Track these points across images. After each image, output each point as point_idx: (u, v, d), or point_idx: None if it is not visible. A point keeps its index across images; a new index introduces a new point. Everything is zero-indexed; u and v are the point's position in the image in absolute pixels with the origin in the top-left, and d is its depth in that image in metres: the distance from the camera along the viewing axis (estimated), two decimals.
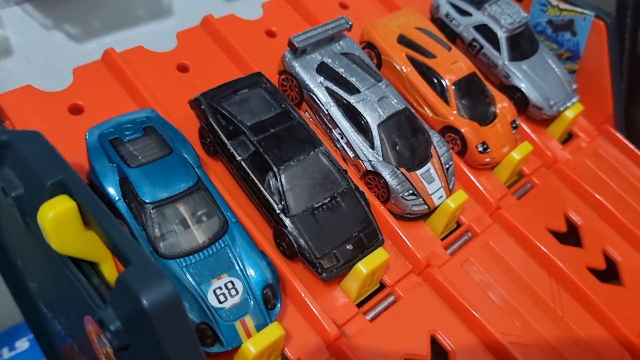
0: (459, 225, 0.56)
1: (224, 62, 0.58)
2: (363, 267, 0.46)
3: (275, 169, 0.46)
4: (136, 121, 0.46)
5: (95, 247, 0.39)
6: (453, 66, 0.59)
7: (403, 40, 0.60)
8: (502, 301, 0.52)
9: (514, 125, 0.60)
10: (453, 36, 0.66)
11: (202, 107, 0.49)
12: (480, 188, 0.57)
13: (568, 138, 0.69)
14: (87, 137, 0.45)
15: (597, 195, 0.61)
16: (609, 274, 0.58)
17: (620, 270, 0.59)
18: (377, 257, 0.47)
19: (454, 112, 0.58)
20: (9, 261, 0.66)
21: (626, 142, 0.67)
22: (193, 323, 0.40)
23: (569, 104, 0.64)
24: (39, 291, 0.62)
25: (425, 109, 0.59)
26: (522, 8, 0.68)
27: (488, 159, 0.58)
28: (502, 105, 0.60)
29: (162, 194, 0.42)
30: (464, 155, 0.58)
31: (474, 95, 0.59)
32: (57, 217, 0.36)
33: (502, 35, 0.63)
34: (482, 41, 0.64)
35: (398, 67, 0.59)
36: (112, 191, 0.43)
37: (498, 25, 0.63)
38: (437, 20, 0.67)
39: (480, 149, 0.57)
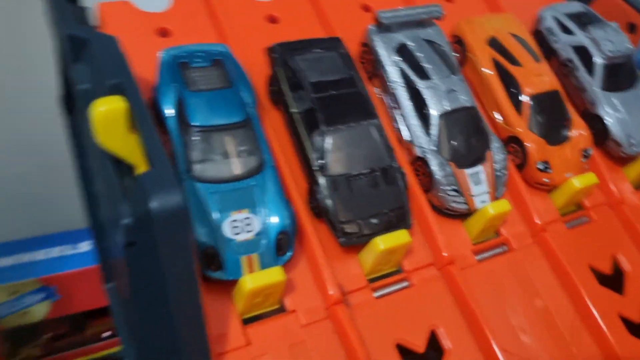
0: (497, 235, 0.55)
1: (313, 22, 0.60)
2: (381, 242, 0.46)
3: (323, 128, 0.48)
4: (208, 52, 0.49)
5: (134, 150, 0.42)
6: (536, 79, 0.57)
7: (493, 43, 0.59)
8: (515, 321, 0.50)
9: (585, 154, 0.58)
10: (549, 51, 0.64)
11: (275, 55, 0.52)
12: (530, 205, 0.55)
13: None
14: (161, 55, 0.48)
15: None
16: None
17: None
18: (397, 237, 0.47)
19: (524, 124, 0.56)
20: (85, 164, 0.72)
21: None
22: (202, 244, 0.42)
23: None
24: (100, 196, 0.67)
25: (496, 114, 0.58)
26: (632, 40, 0.65)
27: (546, 179, 0.56)
28: (579, 131, 0.58)
29: (209, 121, 0.45)
30: (522, 169, 0.57)
31: (550, 112, 0.57)
32: (107, 112, 0.40)
33: (598, 61, 0.61)
34: (577, 63, 0.62)
35: (481, 68, 0.58)
36: (167, 108, 0.46)
37: (597, 50, 0.61)
38: (537, 33, 0.65)
39: (541, 167, 0.56)
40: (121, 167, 0.43)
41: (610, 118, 0.60)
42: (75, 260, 0.92)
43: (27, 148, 1.04)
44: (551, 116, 0.57)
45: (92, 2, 0.56)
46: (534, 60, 0.59)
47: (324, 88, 0.49)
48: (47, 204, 1.08)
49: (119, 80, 0.41)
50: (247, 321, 0.44)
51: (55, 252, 0.93)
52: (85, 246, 0.95)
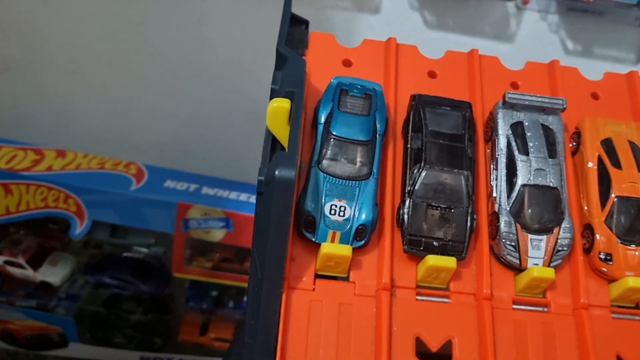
0: (543, 296, 0.66)
1: (462, 85, 0.75)
2: (431, 259, 0.61)
3: (422, 164, 0.64)
4: (365, 87, 0.68)
5: (286, 137, 0.62)
6: (629, 184, 0.66)
7: (606, 143, 0.68)
8: None
9: None
10: None
11: (413, 102, 0.68)
12: (582, 284, 0.65)
13: None
14: (331, 80, 0.68)
15: None
16: None
17: None
18: (445, 261, 0.61)
19: (603, 218, 0.65)
20: None
21: None
22: (307, 212, 0.62)
23: None
24: None
25: (585, 203, 0.68)
26: None
27: (604, 269, 0.65)
28: None
29: (343, 134, 0.64)
30: (588, 253, 0.66)
31: (632, 217, 0.65)
32: (276, 107, 0.60)
33: None
34: None
35: (585, 161, 0.68)
36: (322, 117, 0.65)
37: None
38: None
39: (602, 257, 0.65)
40: (276, 145, 0.64)
41: None
42: (253, 207, 1.18)
43: (247, 116, 1.32)
44: (633, 220, 0.65)
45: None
46: (637, 168, 0.67)
47: (436, 136, 0.65)
48: (249, 159, 1.37)
49: (292, 90, 0.62)
50: (319, 276, 0.63)
51: (243, 197, 1.20)
52: None
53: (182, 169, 1.24)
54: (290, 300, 0.60)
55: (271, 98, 0.65)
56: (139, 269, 1.28)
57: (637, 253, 0.65)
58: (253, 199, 1.19)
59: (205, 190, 1.19)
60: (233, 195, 1.19)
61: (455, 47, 0.79)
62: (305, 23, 0.80)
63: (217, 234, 1.17)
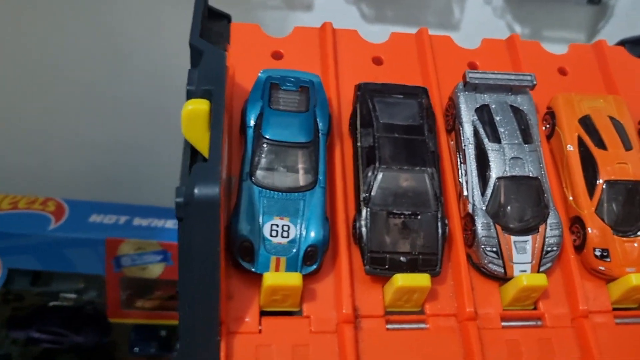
0: (534, 308, 0.55)
1: (414, 70, 0.64)
2: (400, 279, 0.50)
3: (376, 165, 0.52)
4: (299, 79, 0.56)
5: (207, 145, 0.50)
6: (618, 165, 0.56)
7: (585, 121, 0.59)
8: None
9: None
10: None
11: (358, 93, 0.57)
12: (578, 288, 0.55)
13: None
14: (259, 74, 0.56)
15: None
16: None
17: None
18: (417, 279, 0.50)
19: (593, 208, 0.56)
20: None
21: None
22: (242, 237, 0.50)
23: None
24: None
25: (569, 193, 0.58)
26: None
27: (602, 268, 0.55)
28: None
29: (278, 136, 0.52)
30: (580, 252, 0.56)
31: (627, 203, 0.56)
32: (191, 111, 0.48)
33: None
34: None
35: (564, 144, 0.59)
36: (251, 119, 0.54)
37: None
38: None
39: (598, 254, 0.55)
40: (197, 156, 0.52)
41: None
42: None
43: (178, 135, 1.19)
44: (626, 206, 0.56)
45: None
46: (624, 146, 0.58)
47: (389, 130, 0.54)
48: None
49: (210, 88, 0.50)
50: (265, 313, 0.51)
51: None
52: None
53: (109, 200, 1.09)
54: (231, 348, 0.48)
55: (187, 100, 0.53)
56: (71, 319, 1.13)
57: (635, 245, 0.55)
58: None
59: (137, 221, 1.05)
60: (169, 224, 1.06)
61: None
62: (227, 17, 0.69)
63: (155, 270, 1.04)
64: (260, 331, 0.50)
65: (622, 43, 0.79)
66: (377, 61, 0.64)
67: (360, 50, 0.65)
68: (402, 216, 0.52)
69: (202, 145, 0.50)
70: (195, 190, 0.43)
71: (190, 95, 0.53)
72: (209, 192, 0.43)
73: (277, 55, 0.63)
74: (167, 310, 1.14)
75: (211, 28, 0.66)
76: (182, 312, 0.49)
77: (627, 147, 0.58)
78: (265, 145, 0.52)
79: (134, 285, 1.08)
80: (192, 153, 0.51)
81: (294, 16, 1.12)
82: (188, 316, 0.48)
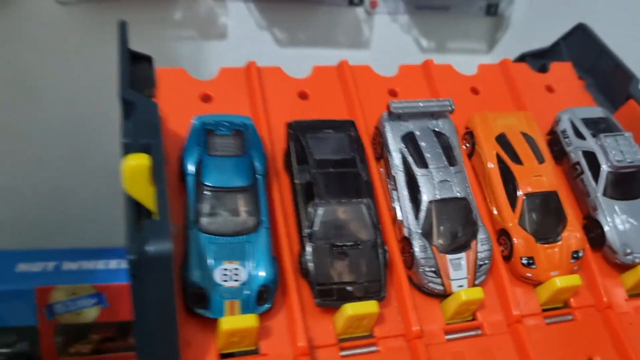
0: (473, 319, 0.59)
1: (339, 102, 0.67)
2: (350, 308, 0.52)
3: (316, 200, 0.55)
4: (233, 122, 0.58)
5: (151, 199, 0.51)
6: (534, 178, 0.61)
7: (501, 139, 0.64)
8: None
9: (575, 255, 0.61)
10: (562, 153, 0.68)
11: (290, 131, 0.59)
12: (509, 296, 0.59)
13: None
14: (193, 121, 0.57)
15: (632, 354, 0.59)
16: None
17: None
18: (366, 307, 0.53)
19: (516, 220, 0.61)
20: None
21: None
22: (194, 284, 0.50)
23: None
24: None
25: (493, 207, 0.62)
26: None
27: (529, 274, 0.60)
28: (572, 233, 0.61)
29: (219, 182, 0.53)
30: (509, 261, 0.61)
31: (544, 212, 0.61)
32: (134, 166, 0.49)
33: (604, 168, 0.64)
34: (585, 167, 0.65)
35: (485, 162, 0.63)
36: (189, 166, 0.55)
37: (605, 158, 0.64)
38: (553, 133, 0.69)
39: (525, 262, 0.60)
40: (141, 210, 0.52)
41: (608, 225, 0.63)
42: (126, 275, 1.03)
43: (111, 173, 1.17)
44: (545, 215, 0.61)
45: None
46: (537, 160, 0.63)
47: (324, 165, 0.56)
48: (116, 222, 1.21)
49: (148, 142, 0.51)
50: (224, 355, 0.52)
51: (113, 264, 1.04)
52: None
53: (34, 247, 1.06)
54: None
55: (124, 155, 0.53)
56: None
57: (556, 250, 0.61)
58: (124, 265, 1.04)
59: (67, 265, 1.02)
60: (100, 264, 1.03)
61: (311, 62, 0.71)
62: (147, 59, 0.69)
63: (91, 313, 1.01)
64: None
65: (523, 57, 0.85)
66: (303, 96, 0.67)
67: (285, 87, 0.67)
68: (344, 247, 0.55)
69: (145, 198, 0.51)
70: (150, 248, 0.43)
71: (127, 148, 0.53)
72: (162, 249, 0.44)
73: (205, 98, 0.64)
74: (104, 353, 1.11)
75: (135, 72, 0.66)
76: None
77: (540, 160, 0.63)
78: (207, 192, 0.53)
79: (69, 331, 1.05)
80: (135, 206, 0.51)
81: (209, 46, 1.13)
82: None
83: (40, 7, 1.02)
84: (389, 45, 1.23)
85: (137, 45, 1.01)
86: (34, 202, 1.19)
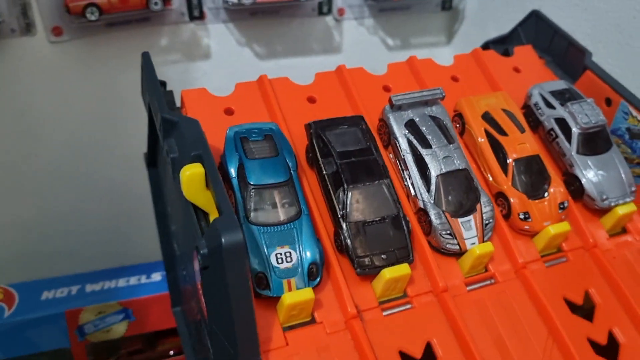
0: (486, 271, 0.69)
1: (343, 102, 0.76)
2: (387, 272, 0.61)
3: (345, 186, 0.64)
4: (262, 129, 0.66)
5: (209, 202, 0.58)
6: (519, 146, 0.72)
7: (486, 117, 0.74)
8: (496, 337, 0.64)
9: (561, 206, 0.71)
10: (537, 122, 0.79)
11: (311, 130, 0.68)
12: (514, 247, 0.69)
13: (623, 233, 0.77)
14: (227, 131, 0.66)
15: (620, 282, 0.70)
16: (610, 353, 0.67)
17: (621, 350, 0.67)
18: (400, 269, 0.62)
19: (509, 182, 0.71)
20: (163, 208, 0.90)
21: None
22: (255, 270, 0.59)
23: (621, 202, 0.74)
24: (175, 233, 0.84)
25: (488, 174, 0.73)
26: (610, 112, 0.79)
27: (527, 227, 0.70)
28: (556, 188, 0.72)
29: (261, 181, 0.62)
30: (508, 219, 0.71)
31: (531, 173, 0.72)
32: (190, 175, 0.56)
33: (575, 130, 0.75)
34: (558, 132, 0.76)
35: (475, 137, 0.74)
36: (232, 171, 0.63)
37: (574, 122, 0.75)
38: (527, 107, 0.80)
39: (522, 217, 0.70)
40: (198, 213, 0.60)
41: (584, 178, 0.74)
42: (149, 288, 1.10)
43: (115, 196, 1.24)
44: (532, 176, 0.72)
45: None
46: (519, 130, 0.73)
47: (347, 156, 0.66)
48: (127, 241, 1.27)
49: (199, 152, 0.58)
50: (286, 329, 0.60)
51: (133, 280, 1.11)
52: (157, 276, 1.13)
53: (54, 275, 1.11)
54: None
55: (174, 168, 0.61)
56: None
57: (545, 203, 0.71)
58: (145, 280, 1.11)
59: (90, 287, 1.08)
60: (122, 282, 1.10)
61: (290, 71, 0.79)
62: (163, 84, 0.77)
63: (119, 329, 1.07)
64: (287, 344, 0.59)
65: (487, 45, 0.97)
66: (312, 100, 0.76)
67: (295, 94, 0.75)
68: (374, 222, 0.64)
69: (203, 202, 0.59)
70: (223, 240, 0.51)
71: (176, 163, 0.61)
72: (235, 239, 0.51)
73: (229, 112, 0.72)
74: None
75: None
76: (218, 346, 0.57)
77: (521, 130, 0.74)
78: (252, 190, 0.61)
79: (99, 349, 1.11)
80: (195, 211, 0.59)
81: (195, 66, 1.21)
82: (229, 348, 0.56)
83: (33, 48, 1.08)
84: (359, 48, 1.33)
85: (131, 73, 1.09)
86: (46, 232, 1.24)
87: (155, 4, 1.05)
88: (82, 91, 1.14)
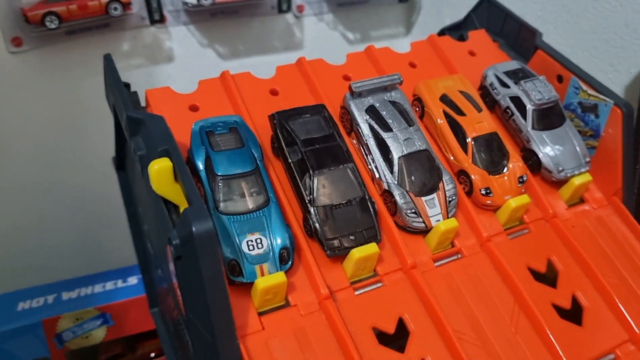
0: (452, 246, 0.72)
1: (305, 92, 0.78)
2: (357, 252, 0.63)
3: (311, 172, 0.65)
4: (227, 122, 0.68)
5: (179, 194, 0.60)
6: (477, 125, 0.75)
7: (444, 99, 0.77)
8: (465, 309, 0.66)
9: (520, 180, 0.74)
10: (493, 102, 0.82)
11: (275, 121, 0.70)
12: (477, 222, 0.72)
13: (580, 203, 0.81)
14: (193, 126, 0.67)
15: (580, 249, 0.73)
16: (574, 316, 0.70)
17: (584, 314, 0.70)
18: (368, 249, 0.64)
19: (470, 160, 0.73)
20: (135, 210, 0.91)
21: (628, 213, 0.78)
22: (227, 258, 0.60)
23: (577, 173, 0.77)
24: (148, 233, 0.85)
25: (449, 154, 0.75)
26: (562, 88, 0.83)
27: (489, 202, 0.73)
28: (515, 163, 0.75)
29: (229, 171, 0.63)
30: (470, 195, 0.74)
31: (490, 150, 0.74)
32: (159, 169, 0.58)
33: (529, 107, 0.78)
34: (514, 110, 0.79)
35: (435, 119, 0.76)
36: (200, 164, 0.64)
37: (528, 99, 0.78)
38: (483, 88, 0.83)
39: (483, 192, 0.73)
40: (169, 206, 0.61)
41: (541, 152, 0.77)
42: (126, 292, 1.10)
43: (85, 203, 1.24)
44: (491, 152, 0.74)
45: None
46: (476, 110, 0.76)
47: (311, 143, 0.67)
48: (101, 247, 1.27)
49: (166, 147, 0.60)
50: (261, 313, 0.61)
51: (110, 285, 1.11)
52: (133, 280, 1.13)
53: (28, 285, 1.11)
54: (247, 349, 0.59)
55: (143, 164, 0.62)
56: None
57: (505, 178, 0.74)
58: (121, 284, 1.11)
59: (66, 295, 1.08)
60: (98, 288, 1.10)
61: (253, 70, 0.81)
62: (127, 86, 0.78)
63: (98, 334, 1.07)
64: (264, 328, 0.60)
65: (443, 32, 0.99)
66: (274, 92, 0.77)
67: (257, 87, 0.77)
68: (341, 205, 0.66)
69: (173, 195, 0.60)
70: (194, 228, 0.53)
71: (143, 159, 0.62)
72: (206, 227, 0.53)
73: (194, 108, 0.73)
74: None
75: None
76: (194, 335, 0.59)
77: (479, 110, 0.77)
78: (220, 181, 0.63)
79: (78, 356, 1.11)
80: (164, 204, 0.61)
81: (159, 70, 1.21)
82: (206, 336, 0.57)
83: None
84: (320, 43, 1.35)
85: (93, 79, 1.10)
86: (15, 244, 1.23)
87: (115, 9, 1.06)
88: (45, 100, 1.14)
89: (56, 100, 1.15)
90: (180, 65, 1.23)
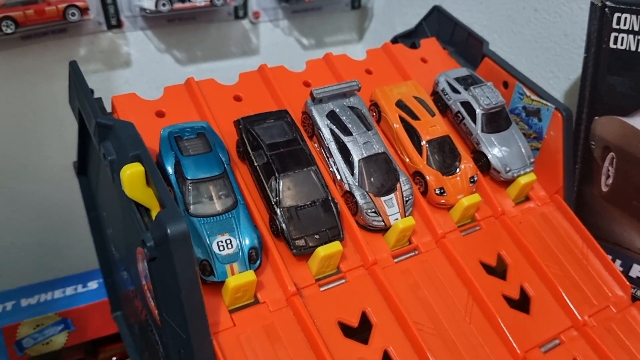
0: (410, 243, 0.76)
1: (267, 98, 0.81)
2: (321, 251, 0.67)
3: (277, 175, 0.69)
4: (194, 127, 0.70)
5: (150, 198, 0.62)
6: (431, 128, 0.79)
7: (399, 104, 0.81)
8: (423, 302, 0.71)
9: (472, 180, 0.79)
10: (445, 107, 0.87)
11: (240, 126, 0.73)
12: (432, 220, 0.77)
13: (526, 201, 0.87)
14: (161, 132, 0.69)
15: (527, 243, 0.79)
16: (522, 305, 0.76)
17: (531, 303, 0.76)
18: (332, 247, 0.67)
19: (424, 162, 0.78)
20: (97, 214, 0.92)
21: (569, 209, 0.84)
22: (199, 258, 0.62)
23: (522, 172, 0.83)
24: (113, 237, 0.86)
25: (405, 156, 0.80)
26: (508, 93, 0.88)
27: (443, 201, 0.78)
28: (466, 164, 0.80)
29: (198, 175, 0.66)
30: (425, 195, 0.78)
31: (443, 152, 0.79)
32: (131, 174, 0.60)
33: (478, 111, 0.83)
34: (464, 114, 0.84)
35: (391, 123, 0.80)
36: (169, 168, 0.66)
37: (477, 104, 0.83)
38: (435, 93, 0.88)
39: (438, 192, 0.77)
40: (140, 210, 0.63)
41: (490, 154, 0.82)
42: (86, 296, 1.11)
43: (43, 209, 1.23)
44: (444, 154, 0.79)
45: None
46: (430, 115, 0.81)
47: (276, 147, 0.70)
48: (59, 253, 1.26)
49: (137, 152, 0.62)
50: (232, 310, 0.64)
51: (70, 290, 1.11)
52: (93, 284, 1.14)
53: None
54: (220, 345, 0.61)
55: (113, 169, 0.64)
56: None
57: (458, 178, 0.79)
58: (82, 289, 1.11)
59: (25, 302, 1.08)
60: (58, 293, 1.10)
61: (211, 75, 0.84)
62: (91, 92, 0.79)
63: (59, 340, 1.07)
64: (235, 325, 0.63)
65: (396, 39, 1.04)
66: (237, 98, 0.80)
67: (221, 94, 0.79)
68: (305, 206, 0.69)
69: (145, 199, 0.62)
70: (169, 230, 0.55)
71: (114, 164, 0.64)
72: (180, 228, 0.55)
73: (160, 114, 0.75)
74: None
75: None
76: (170, 334, 0.61)
77: (432, 114, 0.81)
78: (190, 185, 0.65)
79: None
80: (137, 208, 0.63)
81: (116, 75, 1.22)
82: (181, 334, 0.60)
83: None
84: (276, 49, 1.38)
85: (49, 84, 1.10)
86: None
87: (73, 14, 1.06)
88: (0, 106, 1.13)
89: (11, 106, 1.14)
90: (138, 70, 1.23)
